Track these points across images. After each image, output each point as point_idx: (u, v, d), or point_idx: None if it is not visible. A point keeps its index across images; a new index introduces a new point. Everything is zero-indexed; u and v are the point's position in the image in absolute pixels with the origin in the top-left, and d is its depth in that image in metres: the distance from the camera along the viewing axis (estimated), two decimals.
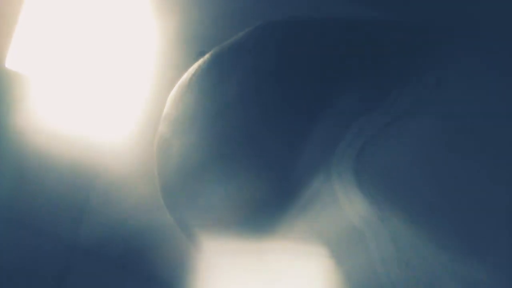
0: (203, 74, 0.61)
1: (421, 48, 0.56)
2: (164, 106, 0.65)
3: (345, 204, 0.51)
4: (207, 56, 0.64)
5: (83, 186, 1.12)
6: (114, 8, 1.13)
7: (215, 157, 0.56)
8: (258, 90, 0.55)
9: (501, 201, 0.46)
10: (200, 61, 0.63)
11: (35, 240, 1.12)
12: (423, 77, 0.53)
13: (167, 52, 1.09)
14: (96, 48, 1.12)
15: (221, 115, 0.56)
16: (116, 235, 1.06)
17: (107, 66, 1.12)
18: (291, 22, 0.63)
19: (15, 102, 1.16)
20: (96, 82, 1.12)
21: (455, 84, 0.51)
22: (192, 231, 0.62)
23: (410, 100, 0.52)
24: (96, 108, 1.12)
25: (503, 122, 0.48)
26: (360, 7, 0.95)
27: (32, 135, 1.13)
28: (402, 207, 0.48)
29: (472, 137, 0.49)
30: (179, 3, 1.11)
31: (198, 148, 0.57)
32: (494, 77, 0.52)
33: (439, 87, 0.51)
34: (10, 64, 1.15)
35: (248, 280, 0.58)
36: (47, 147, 1.13)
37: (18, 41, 1.14)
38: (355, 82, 0.55)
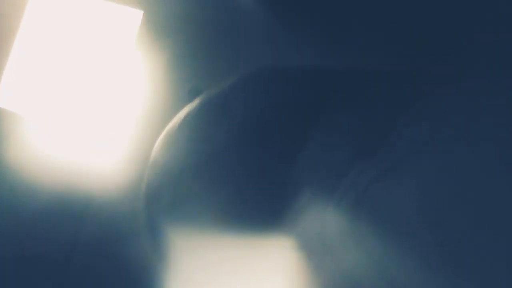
0: (192, 122, 0.61)
1: (414, 97, 0.56)
2: (151, 150, 0.65)
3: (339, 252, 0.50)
4: (195, 102, 0.64)
5: (74, 218, 1.12)
6: (104, 43, 1.13)
7: (204, 212, 0.55)
8: (246, 140, 0.55)
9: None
10: (189, 107, 0.63)
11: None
12: (416, 127, 0.53)
13: (156, 90, 1.09)
14: (85, 83, 1.12)
15: (207, 165, 0.56)
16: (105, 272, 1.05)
17: (96, 101, 1.12)
18: (281, 70, 0.63)
19: (4, 138, 1.16)
20: (86, 117, 1.11)
21: (448, 132, 0.51)
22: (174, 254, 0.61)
23: (403, 150, 0.52)
24: (86, 141, 1.12)
25: (496, 172, 0.48)
26: (353, 56, 0.96)
27: (23, 169, 1.13)
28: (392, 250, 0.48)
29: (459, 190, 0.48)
30: (170, 40, 1.12)
31: (189, 195, 0.57)
32: (489, 126, 0.52)
33: (433, 135, 0.51)
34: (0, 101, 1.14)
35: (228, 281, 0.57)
36: (38, 179, 1.12)
37: (7, 78, 1.14)
38: (347, 132, 0.54)
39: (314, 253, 0.52)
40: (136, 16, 1.14)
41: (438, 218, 0.48)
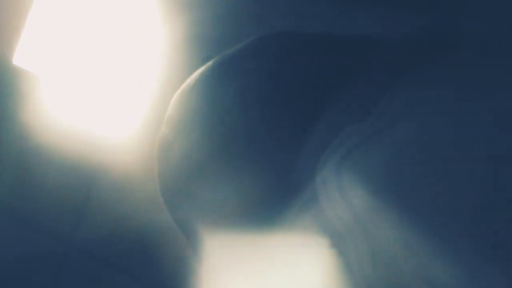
0: (206, 79, 0.64)
1: (406, 65, 0.58)
2: (167, 107, 0.68)
3: (326, 207, 0.54)
4: (210, 62, 0.66)
5: (84, 184, 1.13)
6: (121, 8, 1.15)
7: (215, 158, 0.59)
8: (257, 96, 0.58)
9: (474, 209, 0.48)
10: (203, 67, 0.66)
11: (34, 238, 1.13)
12: (407, 92, 0.55)
13: (172, 54, 1.11)
14: (102, 48, 1.14)
15: (222, 118, 0.59)
16: (115, 235, 1.07)
17: (113, 66, 1.14)
18: (288, 35, 0.66)
19: (20, 99, 1.17)
20: (101, 81, 1.13)
21: (436, 98, 0.53)
22: (191, 230, 0.65)
23: (394, 113, 0.54)
24: (100, 107, 1.14)
25: (485, 134, 0.49)
26: (354, 21, 0.97)
27: (36, 131, 1.15)
28: (380, 213, 0.51)
29: (451, 146, 0.50)
30: (186, 6, 1.13)
31: (199, 149, 0.60)
32: (485, 99, 0.53)
33: (420, 103, 0.53)
34: (17, 61, 1.16)
35: (245, 275, 0.60)
36: (50, 144, 1.14)
37: (26, 40, 1.16)
38: (344, 93, 0.58)
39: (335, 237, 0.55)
40: None
41: (417, 186, 0.50)
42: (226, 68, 0.63)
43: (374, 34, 0.68)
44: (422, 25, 0.70)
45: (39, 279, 1.15)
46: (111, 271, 1.11)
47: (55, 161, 1.16)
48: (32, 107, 1.17)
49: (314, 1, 1.10)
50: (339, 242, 0.54)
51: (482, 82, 0.54)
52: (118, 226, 1.09)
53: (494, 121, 0.51)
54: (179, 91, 0.69)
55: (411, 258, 0.49)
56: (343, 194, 0.53)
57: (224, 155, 0.59)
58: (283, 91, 0.59)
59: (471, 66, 0.55)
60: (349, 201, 0.52)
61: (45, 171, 1.16)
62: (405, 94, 0.55)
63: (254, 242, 0.59)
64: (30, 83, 1.17)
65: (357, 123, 0.55)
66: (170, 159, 0.64)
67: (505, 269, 0.47)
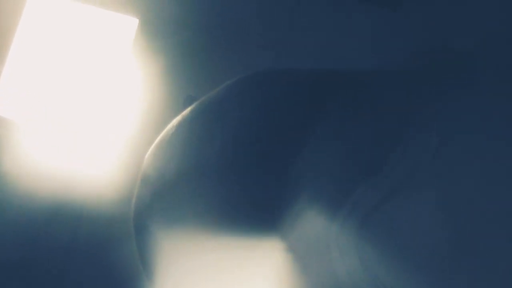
0: (185, 128, 0.59)
1: (420, 104, 0.52)
2: (144, 155, 0.63)
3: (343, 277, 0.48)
4: (189, 108, 0.62)
5: (69, 224, 1.11)
6: (99, 50, 1.13)
7: (198, 218, 0.54)
8: (242, 145, 0.54)
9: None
10: (182, 114, 0.61)
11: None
12: (423, 138, 0.49)
13: (152, 98, 1.09)
14: (81, 90, 1.11)
15: (202, 171, 0.54)
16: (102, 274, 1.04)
17: (91, 108, 1.11)
18: (278, 73, 0.61)
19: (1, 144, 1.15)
20: (81, 123, 1.11)
21: (458, 144, 0.48)
22: (152, 263, 0.60)
23: (410, 164, 0.48)
24: (80, 148, 1.11)
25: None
26: (354, 57, 0.94)
27: (18, 174, 1.12)
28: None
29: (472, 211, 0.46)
30: (165, 48, 1.11)
31: (180, 215, 0.55)
32: (502, 130, 0.49)
33: (441, 148, 0.48)
34: None
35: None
36: (33, 185, 1.12)
37: (3, 85, 1.13)
38: (345, 142, 0.52)
39: (307, 256, 0.50)
40: (132, 23, 1.14)
41: (459, 232, 0.46)
42: (208, 112, 0.59)
43: (368, 67, 0.63)
44: (418, 51, 0.66)
45: None
46: None
47: (38, 201, 1.14)
48: (12, 153, 1.15)
49: (301, 35, 1.08)
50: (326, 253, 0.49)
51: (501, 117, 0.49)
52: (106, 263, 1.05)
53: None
54: (153, 146, 0.64)
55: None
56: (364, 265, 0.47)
57: (207, 222, 0.54)
58: (273, 133, 0.54)
59: (489, 101, 0.50)
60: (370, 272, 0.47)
61: (29, 215, 1.14)
62: (423, 141, 0.49)
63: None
64: (9, 129, 1.15)
65: (368, 179, 0.49)
66: (149, 226, 0.59)
67: None
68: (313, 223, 0.48)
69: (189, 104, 0.63)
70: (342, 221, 0.48)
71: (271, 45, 1.06)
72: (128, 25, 1.14)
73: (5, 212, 1.12)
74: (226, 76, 0.67)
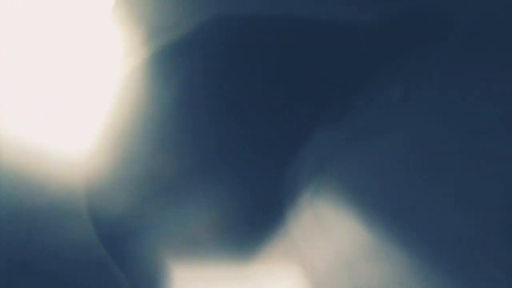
0: (147, 74, 0.57)
1: (388, 56, 0.52)
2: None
3: (292, 223, 0.48)
4: (149, 55, 0.59)
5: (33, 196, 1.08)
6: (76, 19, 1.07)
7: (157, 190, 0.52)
8: (197, 95, 0.52)
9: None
10: (140, 60, 0.58)
11: None
12: (389, 90, 0.50)
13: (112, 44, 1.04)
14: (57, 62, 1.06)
15: (157, 121, 0.52)
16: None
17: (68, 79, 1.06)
18: (245, 17, 0.58)
19: None
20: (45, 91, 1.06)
21: (423, 97, 0.50)
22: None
23: (374, 114, 0.49)
24: (46, 118, 1.07)
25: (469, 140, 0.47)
26: (331, 5, 0.91)
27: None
28: (348, 227, 0.47)
29: (433, 157, 0.47)
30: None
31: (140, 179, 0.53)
32: (464, 91, 0.50)
33: (406, 100, 0.49)
34: None
35: None
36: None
37: None
38: (313, 89, 0.51)
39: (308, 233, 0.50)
40: None
41: (420, 174, 0.47)
42: (168, 62, 0.56)
43: (351, 19, 0.61)
44: (407, 13, 0.64)
45: None
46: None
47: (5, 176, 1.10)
48: None
49: None
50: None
51: (470, 75, 0.51)
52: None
53: (484, 115, 0.48)
54: (114, 90, 0.61)
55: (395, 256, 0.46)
56: (318, 216, 0.48)
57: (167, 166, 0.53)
58: (236, 85, 0.52)
59: (458, 59, 0.52)
60: (323, 224, 0.48)
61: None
62: (387, 92, 0.51)
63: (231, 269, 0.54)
64: None
65: (330, 126, 0.49)
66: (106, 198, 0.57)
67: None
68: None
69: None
70: (298, 164, 0.47)
71: None
72: None
73: None
74: (187, 22, 0.63)
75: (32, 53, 1.05)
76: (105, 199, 0.63)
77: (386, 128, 0.49)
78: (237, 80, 0.55)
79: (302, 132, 0.52)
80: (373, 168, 0.49)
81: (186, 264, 0.55)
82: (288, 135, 0.52)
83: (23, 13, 1.04)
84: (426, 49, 0.54)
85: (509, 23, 0.52)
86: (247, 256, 0.52)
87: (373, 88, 0.51)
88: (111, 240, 0.62)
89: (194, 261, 0.55)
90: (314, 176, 0.50)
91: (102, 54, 1.04)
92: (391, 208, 0.47)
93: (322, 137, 0.50)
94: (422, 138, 0.49)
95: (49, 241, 1.01)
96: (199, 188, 0.54)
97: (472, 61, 0.52)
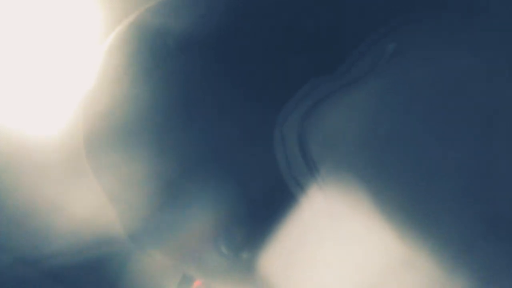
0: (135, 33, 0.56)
1: (379, 13, 0.53)
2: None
3: (284, 168, 0.47)
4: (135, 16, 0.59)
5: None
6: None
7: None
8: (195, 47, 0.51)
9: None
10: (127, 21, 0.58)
11: None
12: (379, 45, 0.51)
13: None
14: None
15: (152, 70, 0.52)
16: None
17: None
18: None
19: None
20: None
21: (412, 54, 0.50)
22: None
23: (364, 67, 0.50)
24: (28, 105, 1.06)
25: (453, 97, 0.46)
26: None
27: None
28: (341, 176, 0.45)
29: (423, 111, 0.48)
30: None
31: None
32: (452, 53, 0.51)
33: (395, 56, 0.50)
34: None
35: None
36: None
37: None
38: (305, 42, 0.52)
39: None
40: None
41: (383, 149, 0.48)
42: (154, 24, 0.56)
43: None
44: None
45: None
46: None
47: None
48: None
49: None
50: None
51: (463, 41, 0.52)
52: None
53: (478, 79, 0.49)
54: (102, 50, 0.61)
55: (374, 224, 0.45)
56: (304, 155, 0.47)
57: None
58: (229, 35, 0.52)
59: (453, 25, 0.53)
60: (309, 162, 0.47)
61: None
62: (381, 46, 0.52)
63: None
64: None
65: (323, 74, 0.50)
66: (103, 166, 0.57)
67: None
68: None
69: None
70: (289, 110, 0.49)
71: None
72: None
73: None
74: None
75: (18, 43, 1.04)
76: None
77: (379, 77, 0.49)
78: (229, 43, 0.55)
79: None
80: (365, 116, 0.49)
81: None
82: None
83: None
84: (421, 15, 0.54)
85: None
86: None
87: (366, 44, 0.52)
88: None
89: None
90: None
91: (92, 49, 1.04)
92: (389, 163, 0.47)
93: (311, 83, 0.50)
94: (409, 86, 0.48)
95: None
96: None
97: (465, 30, 0.52)
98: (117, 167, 0.56)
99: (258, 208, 0.50)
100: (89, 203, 0.95)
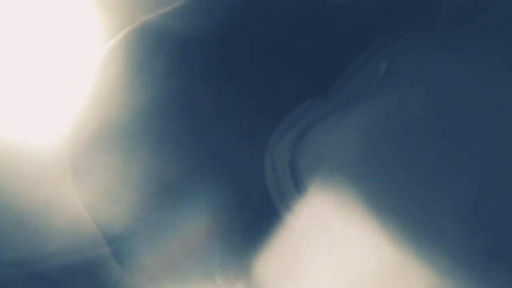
0: (127, 48, 0.57)
1: (372, 33, 0.54)
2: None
3: (274, 193, 0.49)
4: (135, 25, 0.60)
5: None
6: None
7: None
8: (186, 65, 0.53)
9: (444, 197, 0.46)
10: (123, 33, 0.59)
11: None
12: (372, 65, 0.52)
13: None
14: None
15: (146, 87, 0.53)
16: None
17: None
18: None
19: None
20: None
21: (405, 74, 0.51)
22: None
23: (356, 88, 0.51)
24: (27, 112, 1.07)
25: (450, 118, 0.48)
26: None
27: None
28: (333, 200, 0.47)
29: (416, 134, 0.49)
30: None
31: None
32: (446, 71, 0.52)
33: (388, 76, 0.50)
34: None
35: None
36: None
37: None
38: (297, 63, 0.52)
39: None
40: None
41: (376, 173, 0.49)
42: (152, 32, 0.57)
43: None
44: None
45: None
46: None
47: None
48: None
49: None
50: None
51: (456, 54, 0.53)
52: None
53: (472, 92, 0.50)
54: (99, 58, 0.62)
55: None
56: (295, 179, 0.49)
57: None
58: (227, 56, 0.53)
59: (445, 38, 0.54)
60: (301, 187, 0.48)
61: None
62: (373, 66, 0.52)
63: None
64: None
65: (316, 95, 0.51)
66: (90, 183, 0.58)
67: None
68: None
69: None
70: (280, 134, 0.49)
71: None
72: None
73: None
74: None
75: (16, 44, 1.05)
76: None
77: (370, 100, 0.51)
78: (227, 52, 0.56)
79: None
80: (358, 137, 0.50)
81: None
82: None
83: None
84: (413, 29, 0.55)
85: (494, 10, 0.53)
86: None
87: (358, 63, 0.53)
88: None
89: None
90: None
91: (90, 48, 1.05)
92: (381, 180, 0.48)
93: (305, 107, 0.51)
94: (404, 108, 0.50)
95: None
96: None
97: (454, 45, 0.54)
98: (101, 173, 0.57)
99: (250, 234, 0.51)
100: (86, 203, 0.96)
